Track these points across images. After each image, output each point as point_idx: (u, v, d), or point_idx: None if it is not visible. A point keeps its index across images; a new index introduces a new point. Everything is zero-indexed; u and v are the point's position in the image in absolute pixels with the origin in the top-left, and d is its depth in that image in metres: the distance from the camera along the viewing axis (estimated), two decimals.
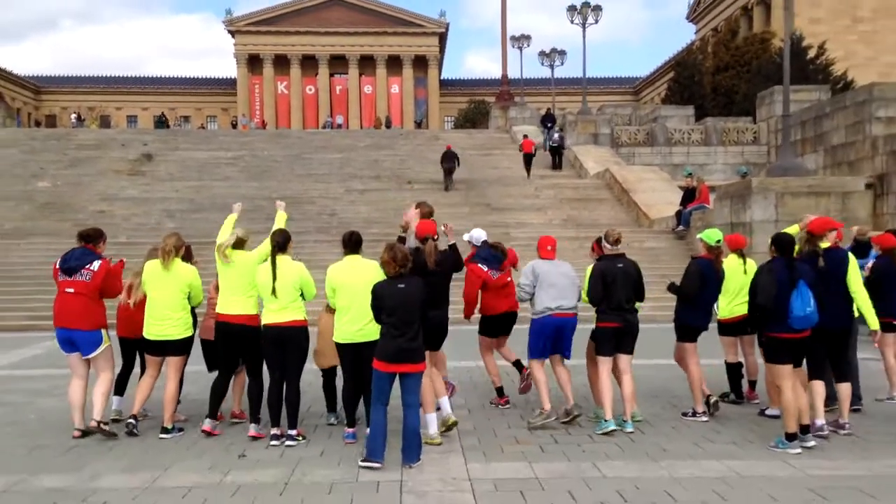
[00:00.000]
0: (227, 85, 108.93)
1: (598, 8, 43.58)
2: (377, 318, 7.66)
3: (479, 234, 10.22)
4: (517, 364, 10.27)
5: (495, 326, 10.13)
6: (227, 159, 38.33)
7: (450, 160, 31.81)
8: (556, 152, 36.08)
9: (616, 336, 8.72)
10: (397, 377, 7.59)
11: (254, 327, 8.52)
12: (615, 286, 8.58)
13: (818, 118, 34.20)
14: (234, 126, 73.86)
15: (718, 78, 57.26)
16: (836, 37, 72.21)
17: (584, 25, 43.39)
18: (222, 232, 8.84)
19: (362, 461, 7.43)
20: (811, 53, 52.81)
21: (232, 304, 8.56)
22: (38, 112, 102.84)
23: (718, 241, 9.13)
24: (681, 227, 22.99)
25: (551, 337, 9.00)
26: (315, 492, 6.78)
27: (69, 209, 29.91)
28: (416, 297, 7.53)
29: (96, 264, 8.69)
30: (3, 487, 7.02)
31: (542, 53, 54.65)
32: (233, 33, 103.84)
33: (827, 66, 52.66)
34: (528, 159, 33.78)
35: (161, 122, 71.00)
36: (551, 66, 54.26)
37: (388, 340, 7.47)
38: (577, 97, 47.02)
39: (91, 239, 8.90)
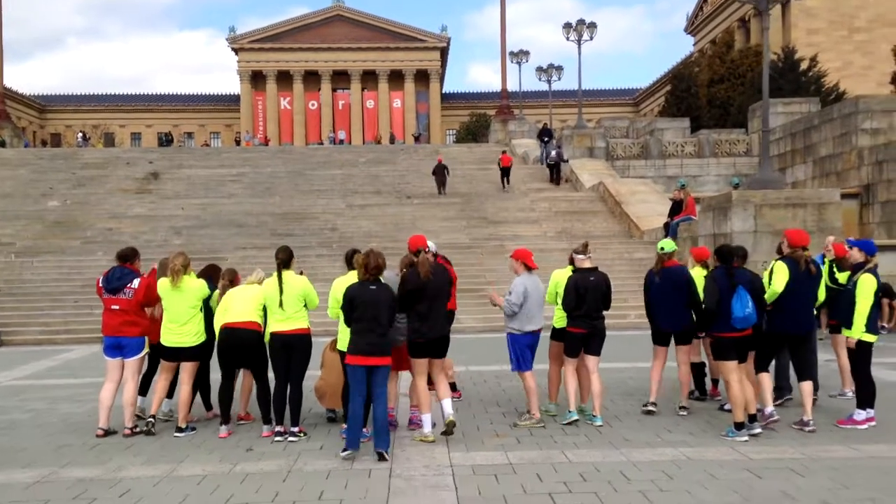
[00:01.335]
0: (231, 101, 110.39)
1: (592, 25, 44.57)
2: (348, 319, 8.48)
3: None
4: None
5: None
6: (232, 176, 39.30)
7: (440, 172, 35.29)
8: (554, 167, 36.96)
9: (583, 340, 9.67)
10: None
11: (258, 333, 9.45)
12: (587, 297, 9.51)
13: (807, 130, 35.08)
14: (238, 142, 75.10)
15: (713, 90, 58.17)
16: (834, 47, 73.25)
17: (579, 42, 44.40)
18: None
19: (342, 451, 8.31)
20: (804, 65, 53.72)
21: (238, 313, 9.48)
22: (43, 131, 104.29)
23: (661, 249, 10.09)
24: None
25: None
26: (314, 478, 7.68)
27: (78, 227, 30.88)
28: (385, 300, 8.43)
29: (136, 282, 9.66)
30: (37, 478, 7.92)
31: (539, 69, 55.65)
32: (236, 51, 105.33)
33: (819, 78, 53.55)
34: (505, 172, 36.15)
35: (168, 141, 72.20)
36: (548, 81, 55.27)
37: (358, 337, 8.35)
38: (577, 109, 47.97)
39: (128, 258, 9.88)
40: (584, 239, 12.01)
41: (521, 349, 9.67)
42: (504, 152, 39.16)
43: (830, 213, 19.25)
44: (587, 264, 9.77)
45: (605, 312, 9.82)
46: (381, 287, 8.52)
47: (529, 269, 9.78)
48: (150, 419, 9.69)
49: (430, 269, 9.04)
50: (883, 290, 18.38)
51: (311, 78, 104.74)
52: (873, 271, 9.64)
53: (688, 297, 9.88)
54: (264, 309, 9.48)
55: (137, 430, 9.65)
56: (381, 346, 8.40)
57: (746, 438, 8.61)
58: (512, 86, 58.98)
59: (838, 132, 32.30)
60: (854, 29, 76.01)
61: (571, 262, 10.03)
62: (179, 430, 9.62)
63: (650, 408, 10.09)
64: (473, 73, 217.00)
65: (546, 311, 9.95)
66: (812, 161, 34.25)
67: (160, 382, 10.01)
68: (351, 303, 8.40)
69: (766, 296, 9.07)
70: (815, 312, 9.91)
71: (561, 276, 10.03)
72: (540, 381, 10.03)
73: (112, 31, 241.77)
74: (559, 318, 10.01)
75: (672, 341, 10.30)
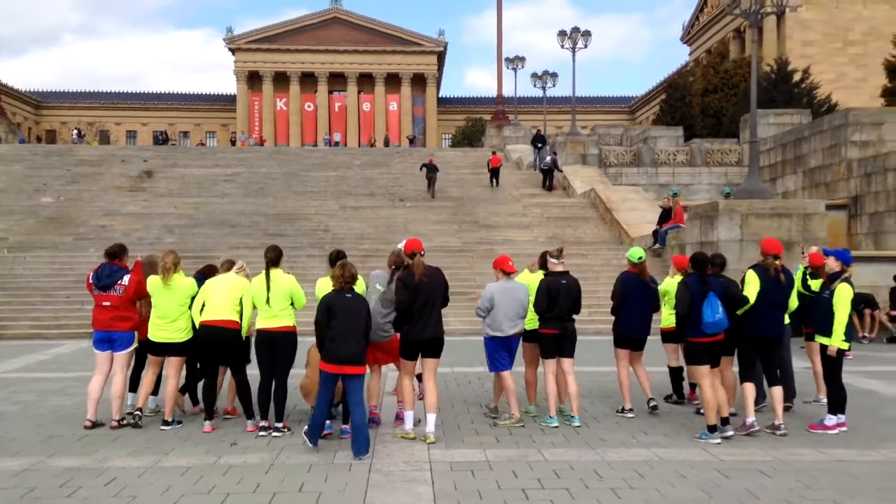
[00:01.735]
0: (227, 101, 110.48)
1: (587, 33, 44.91)
2: (325, 326, 8.55)
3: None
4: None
5: None
6: (226, 176, 39.40)
7: (431, 171, 35.72)
8: (548, 173, 37.21)
9: (556, 342, 9.88)
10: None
11: (235, 331, 9.63)
12: (559, 299, 9.75)
13: (798, 141, 35.41)
14: (233, 142, 75.24)
15: (707, 100, 58.60)
16: (828, 59, 73.81)
17: (573, 50, 44.70)
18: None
19: (305, 432, 8.65)
20: (797, 77, 54.12)
21: (217, 310, 9.62)
22: (39, 127, 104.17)
23: (640, 258, 10.32)
24: (657, 246, 24.07)
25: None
26: (295, 471, 7.88)
27: (72, 224, 30.98)
28: (362, 308, 8.64)
29: (126, 279, 9.87)
30: (25, 466, 8.11)
31: (534, 76, 55.97)
32: (233, 51, 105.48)
33: (812, 90, 53.97)
34: (494, 172, 37.02)
35: (164, 139, 72.34)
36: (543, 88, 55.59)
37: (335, 345, 8.48)
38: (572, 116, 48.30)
39: (117, 255, 10.10)
40: (565, 244, 12.26)
41: (490, 350, 9.94)
42: (494, 153, 39.51)
43: (815, 223, 19.52)
44: (559, 268, 10.01)
45: (576, 317, 10.05)
46: (357, 296, 8.74)
47: (508, 273, 9.97)
48: (137, 412, 9.87)
49: (425, 271, 9.22)
50: (865, 301, 18.76)
51: (308, 79, 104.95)
52: (849, 281, 9.88)
53: (654, 305, 10.30)
54: (241, 303, 9.66)
55: (124, 422, 9.83)
56: (358, 356, 8.56)
57: (719, 441, 8.84)
58: (508, 91, 59.15)
59: (828, 144, 32.63)
60: (848, 42, 76.55)
61: (542, 264, 10.26)
62: (166, 423, 9.80)
63: (628, 415, 10.30)
64: (471, 78, 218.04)
65: None
66: (802, 172, 34.57)
67: (147, 377, 10.21)
68: (329, 310, 8.56)
69: (739, 309, 9.29)
70: (787, 320, 10.12)
71: (530, 280, 10.28)
72: (517, 382, 10.23)
73: (108, 29, 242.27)
74: (530, 321, 10.21)
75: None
